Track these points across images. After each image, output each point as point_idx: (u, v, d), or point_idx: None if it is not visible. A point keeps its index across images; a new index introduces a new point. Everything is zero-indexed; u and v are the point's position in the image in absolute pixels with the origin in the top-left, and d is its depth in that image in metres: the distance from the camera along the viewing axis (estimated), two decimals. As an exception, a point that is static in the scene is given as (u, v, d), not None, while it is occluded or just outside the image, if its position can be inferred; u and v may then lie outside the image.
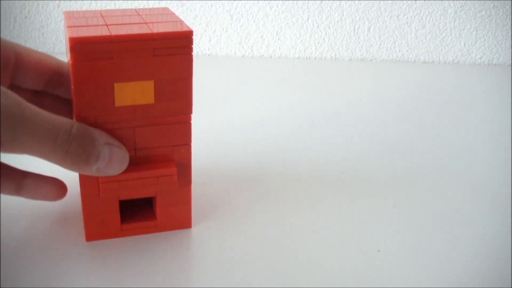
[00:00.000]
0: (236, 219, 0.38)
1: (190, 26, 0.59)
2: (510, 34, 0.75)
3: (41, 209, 0.37)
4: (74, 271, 0.32)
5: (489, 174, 0.46)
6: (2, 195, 0.34)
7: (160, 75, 0.32)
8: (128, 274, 0.32)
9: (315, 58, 0.75)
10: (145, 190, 0.34)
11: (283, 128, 0.53)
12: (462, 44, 0.75)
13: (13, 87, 0.35)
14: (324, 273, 0.33)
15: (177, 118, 0.33)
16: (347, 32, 0.74)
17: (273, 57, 0.75)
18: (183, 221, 0.36)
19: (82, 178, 0.32)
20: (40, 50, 0.72)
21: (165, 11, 0.36)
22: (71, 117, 0.33)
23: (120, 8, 0.50)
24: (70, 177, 0.35)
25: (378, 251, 0.35)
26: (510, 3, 0.73)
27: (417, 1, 0.73)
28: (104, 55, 0.30)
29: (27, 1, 0.70)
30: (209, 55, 0.75)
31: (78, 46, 0.29)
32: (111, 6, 0.71)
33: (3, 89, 0.28)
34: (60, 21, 0.71)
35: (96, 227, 0.34)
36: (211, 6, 0.72)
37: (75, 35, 0.29)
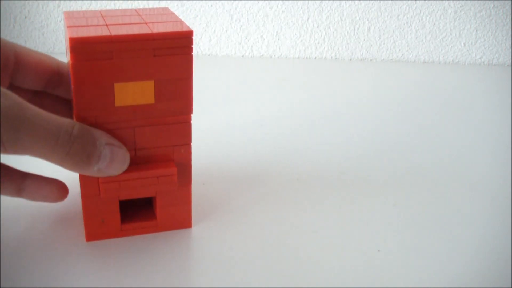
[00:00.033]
0: (236, 219, 0.38)
1: (190, 26, 0.59)
2: (510, 34, 0.75)
3: (41, 209, 0.37)
4: (74, 271, 0.32)
5: (489, 174, 0.46)
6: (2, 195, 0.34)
7: (160, 75, 0.32)
8: (128, 274, 0.32)
9: (315, 58, 0.75)
10: (145, 190, 0.34)
11: (283, 128, 0.53)
12: (462, 44, 0.75)
13: (12, 87, 0.35)
14: (324, 273, 0.33)
15: (177, 118, 0.33)
16: (347, 32, 0.74)
17: (273, 57, 0.75)
18: (183, 221, 0.36)
19: (82, 178, 0.32)
20: (40, 50, 0.72)
21: (165, 11, 0.36)
22: (71, 118, 0.33)
23: (120, 8, 0.50)
24: (70, 177, 0.35)
25: (378, 251, 0.35)
26: (510, 3, 0.73)
27: (417, 1, 0.73)
28: (104, 55, 0.30)
29: (27, 1, 0.70)
30: (209, 55, 0.75)
31: (78, 46, 0.29)
32: (111, 6, 0.71)
33: (3, 90, 0.28)
34: (60, 21, 0.71)
35: (96, 227, 0.34)
36: (211, 6, 0.72)
37: (75, 35, 0.29)
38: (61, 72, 0.36)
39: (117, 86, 0.31)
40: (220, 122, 0.53)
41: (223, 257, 0.34)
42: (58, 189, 0.34)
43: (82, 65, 0.30)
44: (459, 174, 0.45)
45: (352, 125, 0.54)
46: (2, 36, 0.70)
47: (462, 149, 0.50)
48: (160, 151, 0.33)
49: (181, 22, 0.33)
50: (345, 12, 0.73)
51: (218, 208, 0.39)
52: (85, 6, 0.71)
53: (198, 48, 0.74)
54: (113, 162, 0.31)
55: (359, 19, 0.73)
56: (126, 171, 0.32)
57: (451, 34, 0.75)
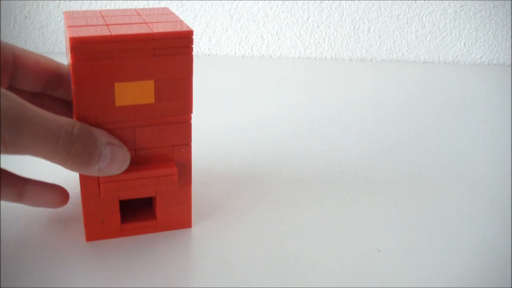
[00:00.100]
0: (236, 219, 0.38)
1: (190, 26, 0.59)
2: (510, 34, 0.75)
3: (41, 210, 0.37)
4: (74, 271, 0.32)
5: (489, 174, 0.46)
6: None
7: (160, 75, 0.32)
8: (128, 274, 0.32)
9: (315, 58, 0.75)
10: (145, 190, 0.34)
11: (283, 128, 0.53)
12: (462, 44, 0.75)
13: (11, 89, 0.35)
14: (324, 273, 0.33)
15: (177, 118, 0.33)
16: (347, 32, 0.74)
17: (273, 57, 0.75)
18: (183, 221, 0.36)
19: (82, 178, 0.32)
20: (40, 50, 0.72)
21: (165, 11, 0.36)
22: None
23: (120, 8, 0.50)
24: (70, 178, 0.35)
25: (378, 251, 0.35)
26: (510, 3, 0.73)
27: (417, 1, 0.73)
28: (104, 55, 0.30)
29: (27, 1, 0.70)
30: (209, 55, 0.75)
31: (78, 46, 0.29)
32: (111, 6, 0.71)
33: (4, 90, 0.28)
34: (60, 21, 0.71)
35: (96, 227, 0.34)
36: (211, 6, 0.72)
37: (75, 35, 0.29)
38: (60, 73, 0.36)
39: (117, 86, 0.31)
40: (220, 122, 0.53)
41: (223, 257, 0.34)
42: (59, 194, 0.34)
43: (82, 65, 0.30)
44: (459, 174, 0.45)
45: (352, 125, 0.54)
46: (2, 36, 0.70)
47: (462, 149, 0.50)
48: (160, 151, 0.33)
49: (181, 22, 0.33)
50: (345, 12, 0.73)
51: (218, 208, 0.39)
52: (85, 6, 0.71)
53: (198, 48, 0.74)
54: (113, 161, 0.31)
55: (359, 19, 0.73)
56: (126, 171, 0.32)
57: (451, 34, 0.75)
